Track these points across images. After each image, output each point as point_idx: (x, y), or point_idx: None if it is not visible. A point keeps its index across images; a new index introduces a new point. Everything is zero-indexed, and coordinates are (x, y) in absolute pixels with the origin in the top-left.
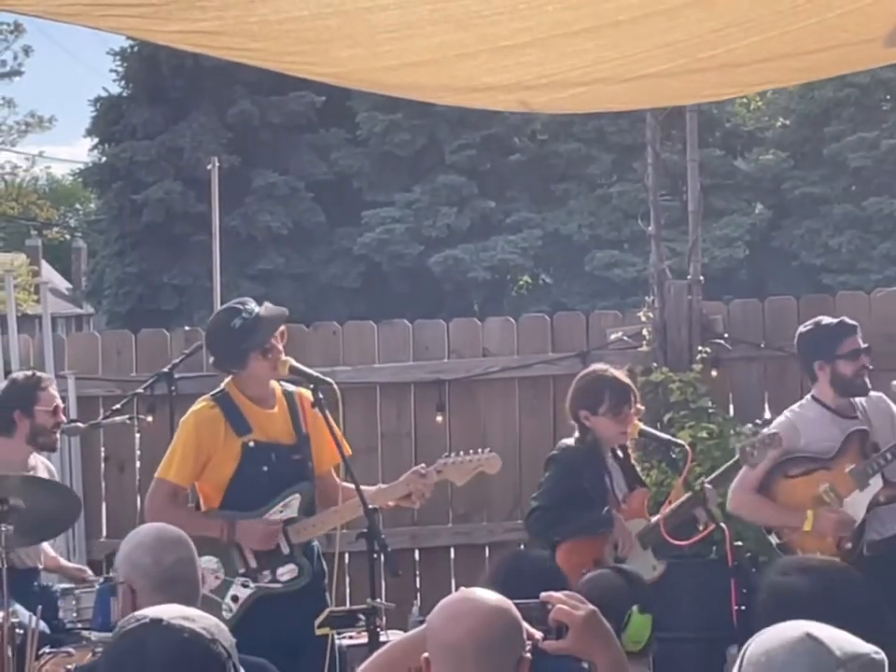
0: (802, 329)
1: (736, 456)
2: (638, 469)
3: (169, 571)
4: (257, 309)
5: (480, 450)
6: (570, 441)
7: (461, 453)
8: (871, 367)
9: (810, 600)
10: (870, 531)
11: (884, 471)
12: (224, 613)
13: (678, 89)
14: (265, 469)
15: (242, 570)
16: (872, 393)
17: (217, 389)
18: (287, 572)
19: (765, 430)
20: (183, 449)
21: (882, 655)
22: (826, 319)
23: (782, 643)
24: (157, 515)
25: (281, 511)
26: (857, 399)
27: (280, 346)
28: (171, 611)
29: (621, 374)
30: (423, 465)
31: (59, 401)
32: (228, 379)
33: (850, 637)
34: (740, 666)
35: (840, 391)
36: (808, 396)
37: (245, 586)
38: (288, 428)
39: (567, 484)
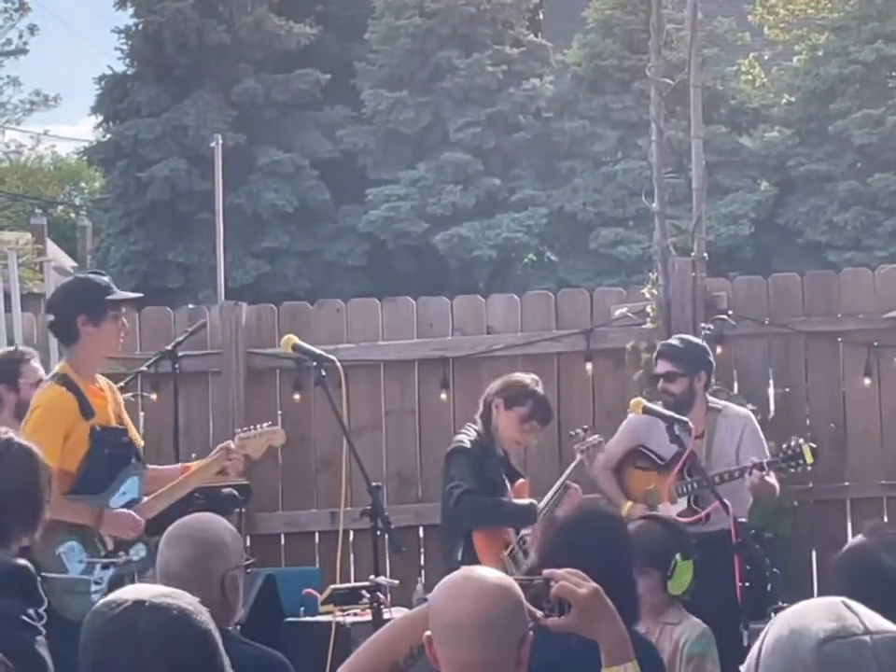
0: None
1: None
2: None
3: (165, 567)
4: None
5: (266, 424)
6: (464, 437)
7: (251, 428)
8: (675, 394)
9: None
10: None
11: (694, 497)
12: (94, 596)
13: None
14: (107, 451)
15: (102, 553)
16: (740, 410)
17: (56, 374)
18: (138, 551)
19: (594, 436)
20: (50, 433)
21: None
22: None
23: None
24: None
25: (124, 494)
26: (718, 417)
27: (127, 324)
28: (150, 591)
29: None
30: (230, 441)
31: (42, 374)
32: (62, 362)
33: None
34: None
35: None
36: None
37: (105, 567)
38: (116, 410)
39: (477, 472)
